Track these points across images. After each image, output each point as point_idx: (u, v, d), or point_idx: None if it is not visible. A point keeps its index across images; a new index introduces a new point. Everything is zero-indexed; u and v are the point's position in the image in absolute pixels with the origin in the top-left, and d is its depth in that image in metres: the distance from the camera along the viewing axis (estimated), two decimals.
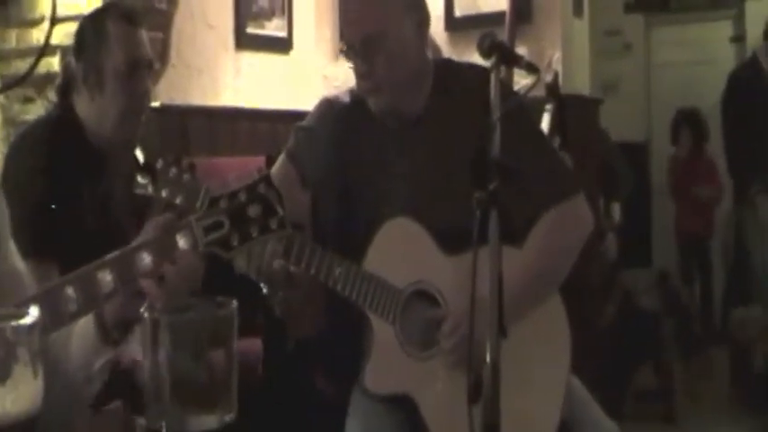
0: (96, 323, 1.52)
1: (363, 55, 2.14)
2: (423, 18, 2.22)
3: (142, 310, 1.09)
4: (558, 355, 2.12)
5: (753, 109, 4.99)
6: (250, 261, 2.01)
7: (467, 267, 1.55)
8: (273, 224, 1.51)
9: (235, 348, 1.10)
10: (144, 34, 2.51)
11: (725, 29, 7.27)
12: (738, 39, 7.10)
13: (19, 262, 1.68)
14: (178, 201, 1.53)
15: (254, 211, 1.50)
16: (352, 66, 2.19)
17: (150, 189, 1.53)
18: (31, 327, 0.96)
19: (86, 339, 1.54)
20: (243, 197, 1.50)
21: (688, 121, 6.33)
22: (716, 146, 5.68)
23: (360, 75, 2.18)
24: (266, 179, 1.53)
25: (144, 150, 2.50)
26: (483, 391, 1.41)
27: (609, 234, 4.89)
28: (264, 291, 2.11)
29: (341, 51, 2.20)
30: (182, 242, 1.50)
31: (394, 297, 2.11)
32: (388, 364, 2.13)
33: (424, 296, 2.14)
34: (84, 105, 2.48)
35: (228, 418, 1.09)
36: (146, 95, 2.49)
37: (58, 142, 2.43)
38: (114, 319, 1.51)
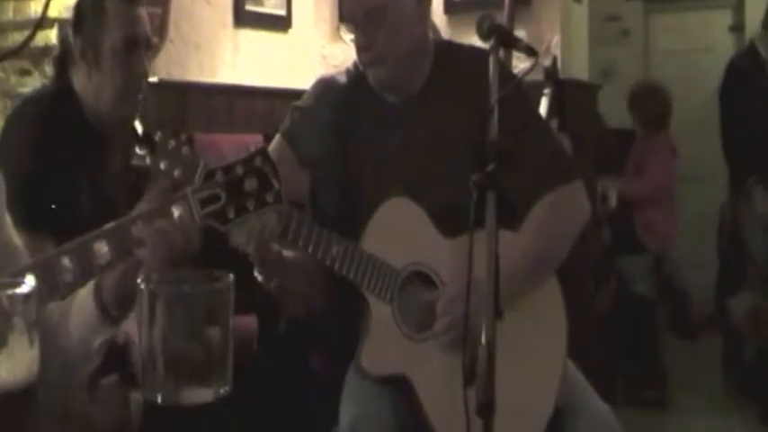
0: (95, 301, 1.52)
1: (365, 27, 2.16)
2: None
3: (139, 281, 1.08)
4: (555, 340, 2.13)
5: (750, 98, 4.98)
6: (248, 241, 2.00)
7: (464, 249, 1.56)
8: (269, 198, 1.52)
9: (231, 322, 1.09)
10: (143, 12, 2.49)
11: (724, 17, 7.25)
12: (737, 27, 7.08)
13: (14, 234, 1.68)
14: (176, 173, 1.52)
15: (250, 184, 1.50)
16: (352, 38, 2.20)
17: (148, 161, 1.53)
18: (27, 296, 0.96)
19: (85, 317, 1.54)
20: (239, 170, 1.50)
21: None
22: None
23: (361, 47, 2.19)
24: (263, 153, 1.53)
25: (142, 124, 2.49)
26: (478, 372, 1.41)
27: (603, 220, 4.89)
28: (259, 277, 2.10)
29: (340, 22, 2.20)
30: (177, 214, 1.50)
31: (391, 277, 2.11)
32: (384, 345, 2.13)
33: (421, 277, 2.14)
34: (81, 81, 2.47)
35: (223, 391, 1.09)
36: (143, 75, 2.47)
37: (54, 116, 2.42)
38: (113, 297, 1.51)
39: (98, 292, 1.52)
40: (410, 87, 2.23)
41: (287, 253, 2.09)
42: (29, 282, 0.97)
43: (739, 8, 7.10)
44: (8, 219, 1.66)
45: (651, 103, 5.43)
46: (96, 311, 1.52)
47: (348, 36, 2.20)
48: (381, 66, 2.19)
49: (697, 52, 7.17)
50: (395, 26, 2.15)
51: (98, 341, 1.55)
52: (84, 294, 1.54)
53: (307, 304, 2.34)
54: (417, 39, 2.23)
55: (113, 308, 1.52)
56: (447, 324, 2.01)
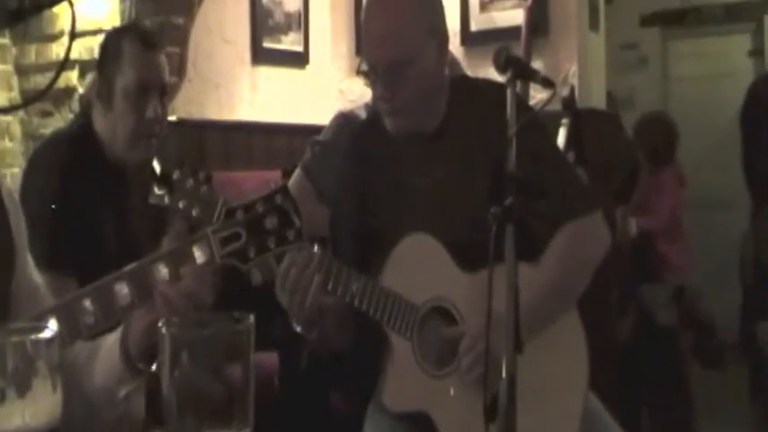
0: (121, 353, 1.51)
1: (386, 78, 2.12)
2: (444, 41, 2.21)
3: (160, 324, 1.09)
4: (576, 372, 2.11)
5: None
6: (292, 302, 2.01)
7: (484, 283, 1.55)
8: (291, 235, 1.51)
9: (252, 363, 1.10)
10: (161, 58, 2.51)
11: (743, 42, 7.24)
12: (757, 52, 7.07)
13: (36, 275, 1.69)
14: (195, 212, 1.52)
15: (270, 222, 1.50)
16: (370, 86, 2.17)
17: (166, 200, 1.53)
18: (50, 340, 0.97)
19: (111, 366, 1.53)
20: (260, 208, 1.50)
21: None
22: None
23: (381, 97, 2.16)
24: (283, 190, 1.52)
25: (161, 163, 2.51)
26: (499, 408, 1.40)
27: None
28: (299, 330, 2.10)
29: (359, 72, 2.18)
30: (198, 254, 1.50)
31: (411, 313, 2.11)
32: (405, 382, 2.12)
33: (441, 313, 2.13)
34: (99, 120, 2.50)
35: None
36: (156, 120, 2.47)
37: (75, 156, 2.44)
38: (139, 349, 1.50)
39: (125, 342, 1.51)
40: (427, 128, 2.22)
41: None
42: (51, 326, 0.98)
43: (758, 33, 7.10)
44: (30, 259, 1.67)
45: (656, 136, 5.32)
46: (122, 362, 1.51)
47: (365, 82, 2.17)
48: (401, 116, 2.17)
49: (716, 78, 7.15)
50: (416, 78, 2.12)
51: (123, 391, 1.55)
52: (111, 344, 1.53)
53: (331, 342, 2.34)
54: (437, 85, 2.21)
55: (138, 360, 1.51)
56: (472, 360, 2.00)
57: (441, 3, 2.24)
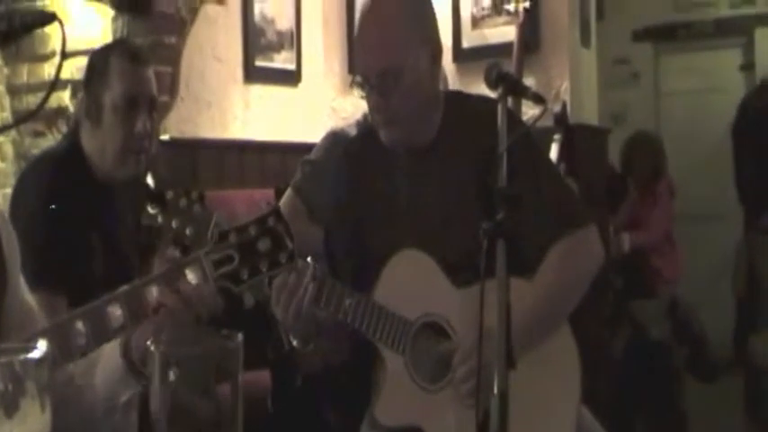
0: (123, 357, 1.52)
1: (379, 88, 2.12)
2: (436, 51, 2.22)
3: (148, 343, 1.09)
4: (568, 387, 2.11)
5: (763, 137, 4.99)
6: (286, 313, 2.01)
7: (476, 299, 1.55)
8: (283, 258, 1.52)
9: (240, 381, 1.10)
10: (148, 72, 2.51)
11: (734, 57, 7.27)
12: (748, 67, 7.10)
13: (28, 295, 1.68)
14: (188, 231, 1.52)
15: (263, 245, 1.51)
16: (364, 97, 2.18)
17: (159, 220, 1.53)
18: (39, 361, 0.96)
19: (112, 371, 1.54)
20: (252, 231, 1.51)
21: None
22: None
23: (374, 107, 2.16)
24: (275, 212, 1.53)
25: (154, 182, 2.50)
26: (491, 422, 1.40)
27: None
28: (295, 344, 2.10)
29: (353, 83, 2.18)
30: (192, 276, 1.50)
31: (404, 329, 2.11)
32: (398, 396, 2.12)
33: (434, 328, 2.13)
34: (87, 139, 2.50)
35: None
36: (145, 134, 2.47)
37: (63, 175, 2.44)
38: (141, 352, 1.50)
39: (126, 348, 1.52)
40: (421, 141, 2.22)
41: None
42: (41, 346, 0.98)
43: (749, 47, 7.13)
44: (22, 281, 1.67)
45: (646, 157, 5.28)
46: (124, 367, 1.52)
47: (359, 93, 2.19)
48: (395, 126, 2.16)
49: (708, 92, 7.18)
50: (410, 87, 2.12)
51: (125, 395, 1.55)
52: (110, 350, 1.54)
53: (326, 359, 2.33)
54: (430, 96, 2.21)
55: (142, 364, 1.52)
56: (466, 372, 1.99)
57: (434, 13, 2.25)
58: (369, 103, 2.18)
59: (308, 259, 2.01)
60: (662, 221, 5.13)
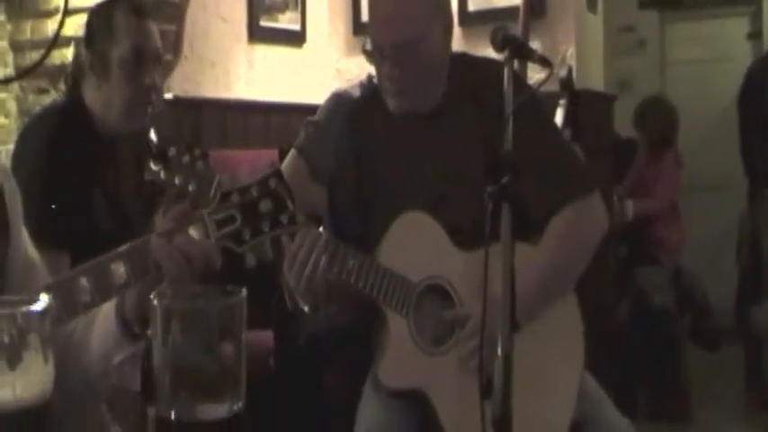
0: (117, 317, 1.53)
1: (393, 59, 2.12)
2: (449, 23, 2.22)
3: (152, 296, 1.08)
4: (572, 354, 2.12)
5: None
6: (299, 281, 2.00)
7: (481, 263, 1.55)
8: (284, 219, 1.53)
9: (244, 337, 1.09)
10: (153, 26, 2.51)
11: (741, 25, 7.21)
12: (755, 35, 7.04)
13: (32, 251, 1.69)
14: (191, 188, 1.53)
15: (265, 206, 1.51)
16: (375, 65, 2.17)
17: (162, 176, 1.53)
18: (42, 313, 0.96)
19: (108, 333, 1.55)
20: (254, 192, 1.51)
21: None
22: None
23: (386, 77, 2.16)
24: (277, 174, 1.53)
25: (158, 139, 2.50)
26: (494, 385, 1.40)
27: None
28: (306, 309, 2.10)
29: (364, 51, 2.17)
30: (194, 235, 1.50)
31: (408, 290, 2.11)
32: (401, 358, 2.13)
33: (437, 291, 2.13)
34: (91, 94, 2.49)
35: (237, 407, 1.08)
36: (152, 87, 2.48)
37: (65, 131, 2.44)
38: (135, 314, 1.52)
39: (120, 308, 1.53)
40: (428, 105, 2.21)
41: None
42: (43, 299, 0.97)
43: (757, 16, 7.07)
44: (25, 233, 1.67)
45: (658, 122, 5.29)
46: (119, 328, 1.54)
47: (369, 59, 2.16)
48: (405, 96, 2.17)
49: (714, 61, 7.12)
50: (424, 60, 2.12)
51: (119, 357, 1.56)
52: (107, 310, 1.55)
53: (330, 321, 2.33)
54: (442, 66, 2.21)
55: (135, 324, 1.53)
56: (476, 344, 1.98)
57: None
58: (380, 71, 2.18)
59: (320, 229, 2.01)
60: (668, 191, 5.12)
